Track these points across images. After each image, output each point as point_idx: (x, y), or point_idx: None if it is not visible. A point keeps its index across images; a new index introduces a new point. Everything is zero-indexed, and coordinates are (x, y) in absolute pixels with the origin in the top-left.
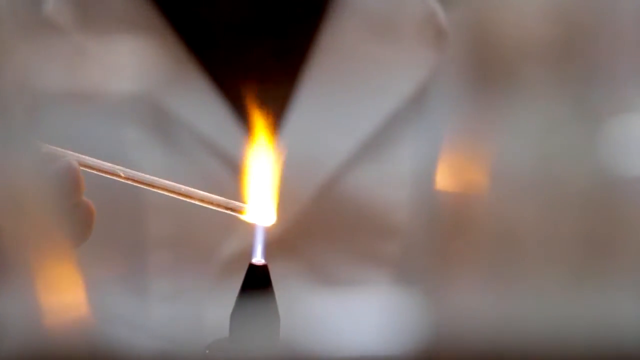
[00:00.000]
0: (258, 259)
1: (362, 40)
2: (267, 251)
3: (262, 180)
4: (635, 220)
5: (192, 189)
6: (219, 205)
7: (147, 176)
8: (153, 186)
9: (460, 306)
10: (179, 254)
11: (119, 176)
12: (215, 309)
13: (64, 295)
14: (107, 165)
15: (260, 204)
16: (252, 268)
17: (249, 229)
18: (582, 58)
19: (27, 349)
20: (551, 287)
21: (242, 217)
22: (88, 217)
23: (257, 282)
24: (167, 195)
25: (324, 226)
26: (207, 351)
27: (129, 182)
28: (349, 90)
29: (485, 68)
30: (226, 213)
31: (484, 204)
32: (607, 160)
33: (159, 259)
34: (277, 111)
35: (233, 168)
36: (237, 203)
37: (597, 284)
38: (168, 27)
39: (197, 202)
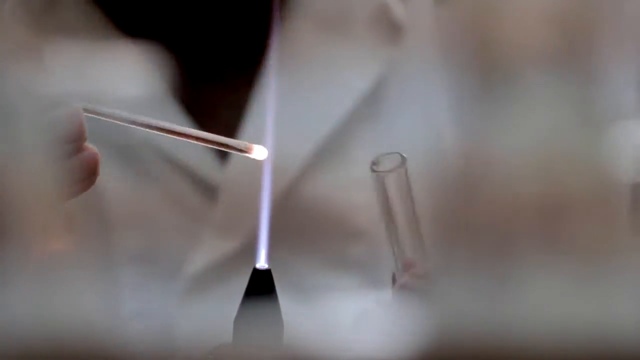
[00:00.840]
0: (261, 264)
1: (315, 40)
2: (232, 260)
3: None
4: (636, 225)
5: (188, 129)
6: (219, 144)
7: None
8: (136, 123)
9: (454, 309)
10: (146, 270)
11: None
12: (184, 324)
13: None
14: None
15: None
16: (256, 273)
17: (214, 243)
18: (584, 62)
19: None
20: (553, 292)
21: (245, 154)
22: (91, 163)
23: (260, 287)
24: (132, 211)
25: (287, 231)
26: (210, 357)
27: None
28: (305, 92)
29: (486, 71)
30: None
31: (483, 207)
32: (609, 165)
33: (126, 276)
34: (235, 117)
35: (196, 184)
36: (238, 141)
37: (598, 288)
38: (122, 35)
39: (193, 141)
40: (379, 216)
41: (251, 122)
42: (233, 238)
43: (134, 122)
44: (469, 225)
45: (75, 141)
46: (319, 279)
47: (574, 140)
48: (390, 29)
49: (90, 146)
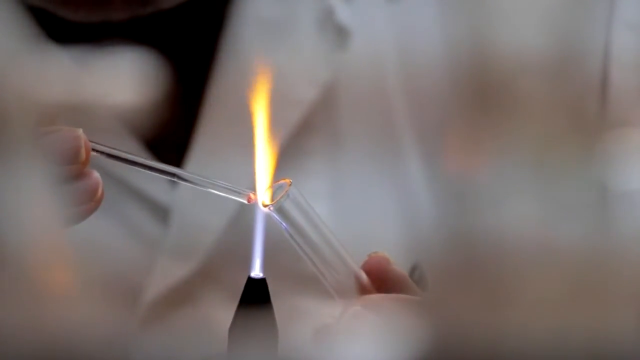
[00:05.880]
0: (256, 273)
1: (262, 50)
2: (188, 284)
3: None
4: (633, 235)
5: (191, 174)
6: (223, 190)
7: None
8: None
9: (452, 321)
10: (102, 298)
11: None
12: (143, 352)
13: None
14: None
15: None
16: (251, 282)
17: (169, 267)
18: (580, 71)
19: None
20: (548, 303)
21: (247, 202)
22: (90, 190)
23: (255, 296)
24: (83, 237)
25: (242, 249)
26: None
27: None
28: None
29: (482, 82)
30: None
31: (479, 218)
32: (605, 174)
33: (82, 304)
34: (184, 136)
35: (148, 207)
36: (241, 188)
37: (595, 301)
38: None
39: (198, 187)
40: (294, 246)
41: (201, 138)
42: (188, 261)
43: (135, 163)
44: (466, 239)
45: (72, 164)
46: (279, 296)
47: (568, 147)
48: (337, 33)
49: (92, 171)
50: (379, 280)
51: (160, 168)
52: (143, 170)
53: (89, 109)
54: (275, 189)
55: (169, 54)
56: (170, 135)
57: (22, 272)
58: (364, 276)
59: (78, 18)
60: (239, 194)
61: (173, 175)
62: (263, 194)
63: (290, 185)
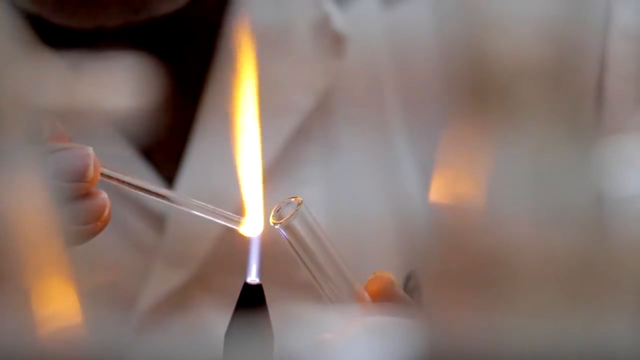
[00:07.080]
0: (252, 279)
1: (257, 57)
2: (184, 290)
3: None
4: (629, 240)
5: (190, 199)
6: (217, 217)
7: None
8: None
9: (449, 328)
10: (99, 306)
11: (117, 180)
12: (139, 358)
13: (56, 303)
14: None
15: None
16: (247, 287)
17: (165, 274)
18: (576, 78)
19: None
20: (544, 309)
21: (240, 229)
22: (97, 209)
23: (251, 301)
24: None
25: (239, 260)
26: None
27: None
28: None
29: (479, 88)
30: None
31: (476, 224)
32: (600, 180)
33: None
34: (179, 142)
35: (143, 215)
36: (234, 215)
37: (591, 306)
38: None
39: (194, 212)
40: (299, 262)
41: (197, 144)
42: (183, 268)
43: (141, 189)
44: (463, 244)
45: (79, 182)
46: (275, 302)
47: (564, 154)
48: (333, 40)
49: (101, 191)
50: (382, 302)
51: (164, 194)
52: (151, 197)
53: (84, 114)
54: (284, 206)
55: (165, 60)
56: (166, 141)
57: (19, 279)
58: (366, 295)
59: (73, 25)
60: (235, 222)
61: (175, 202)
62: (255, 214)
63: (300, 204)
